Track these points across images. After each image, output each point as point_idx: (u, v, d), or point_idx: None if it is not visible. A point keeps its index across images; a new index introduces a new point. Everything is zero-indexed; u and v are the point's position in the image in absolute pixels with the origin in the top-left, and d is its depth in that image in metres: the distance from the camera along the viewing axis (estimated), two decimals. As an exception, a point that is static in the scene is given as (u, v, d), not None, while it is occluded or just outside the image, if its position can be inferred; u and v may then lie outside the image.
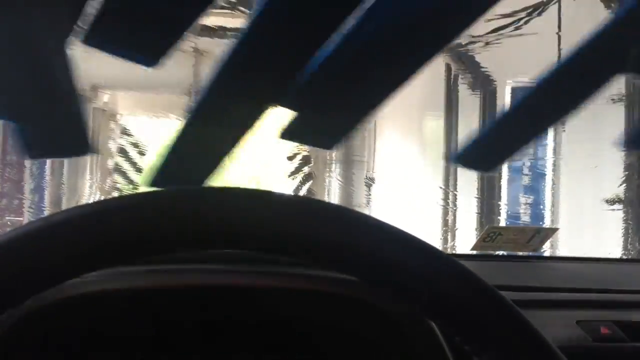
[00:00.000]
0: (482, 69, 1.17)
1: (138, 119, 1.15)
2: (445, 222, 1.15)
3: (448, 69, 1.20)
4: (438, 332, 0.49)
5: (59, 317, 0.49)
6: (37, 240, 0.35)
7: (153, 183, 0.45)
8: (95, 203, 0.38)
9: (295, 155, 1.06)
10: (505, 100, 1.20)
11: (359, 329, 0.53)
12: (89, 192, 1.11)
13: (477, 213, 1.13)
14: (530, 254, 0.76)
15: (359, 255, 0.38)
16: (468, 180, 1.15)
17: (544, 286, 0.67)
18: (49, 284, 0.36)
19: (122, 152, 1.13)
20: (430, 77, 1.19)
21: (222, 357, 0.56)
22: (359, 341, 0.54)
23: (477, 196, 1.14)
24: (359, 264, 0.38)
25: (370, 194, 1.12)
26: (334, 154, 1.14)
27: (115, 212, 0.35)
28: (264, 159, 1.09)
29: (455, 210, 1.13)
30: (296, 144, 1.09)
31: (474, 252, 0.74)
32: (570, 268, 0.77)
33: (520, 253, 0.76)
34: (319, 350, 0.56)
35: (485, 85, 1.17)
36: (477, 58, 1.16)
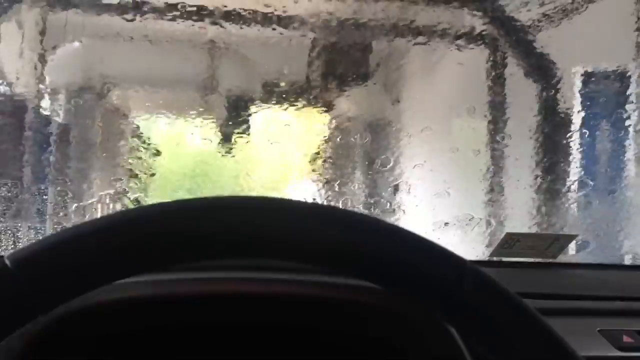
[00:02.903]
0: (538, 55, 0.99)
1: (149, 117, 1.14)
2: (483, 230, 1.05)
3: (494, 51, 1.02)
4: (460, 342, 0.49)
5: (81, 325, 0.48)
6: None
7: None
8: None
9: (315, 159, 1.04)
10: (567, 95, 1.00)
11: (379, 337, 0.52)
12: (98, 196, 1.09)
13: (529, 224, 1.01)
14: (549, 260, 0.75)
15: (384, 263, 0.37)
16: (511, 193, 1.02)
17: (563, 293, 0.66)
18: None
19: (133, 152, 1.12)
20: (474, 65, 1.04)
21: None
22: (379, 349, 0.53)
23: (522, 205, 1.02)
24: (385, 272, 0.37)
25: (396, 201, 1.03)
26: (357, 157, 1.06)
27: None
28: (283, 162, 1.06)
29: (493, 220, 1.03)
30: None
31: (493, 258, 0.74)
32: (591, 275, 0.76)
33: (539, 260, 0.75)
34: (339, 358, 0.55)
35: (543, 75, 0.98)
36: (529, 40, 0.99)
